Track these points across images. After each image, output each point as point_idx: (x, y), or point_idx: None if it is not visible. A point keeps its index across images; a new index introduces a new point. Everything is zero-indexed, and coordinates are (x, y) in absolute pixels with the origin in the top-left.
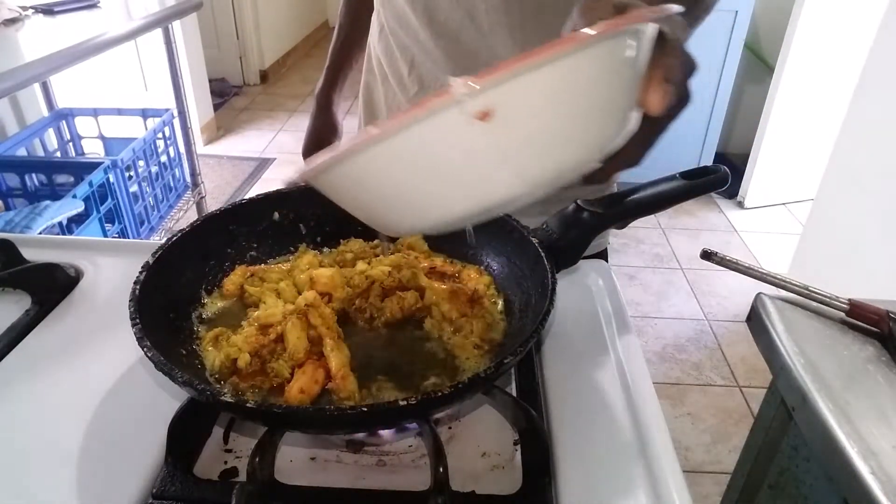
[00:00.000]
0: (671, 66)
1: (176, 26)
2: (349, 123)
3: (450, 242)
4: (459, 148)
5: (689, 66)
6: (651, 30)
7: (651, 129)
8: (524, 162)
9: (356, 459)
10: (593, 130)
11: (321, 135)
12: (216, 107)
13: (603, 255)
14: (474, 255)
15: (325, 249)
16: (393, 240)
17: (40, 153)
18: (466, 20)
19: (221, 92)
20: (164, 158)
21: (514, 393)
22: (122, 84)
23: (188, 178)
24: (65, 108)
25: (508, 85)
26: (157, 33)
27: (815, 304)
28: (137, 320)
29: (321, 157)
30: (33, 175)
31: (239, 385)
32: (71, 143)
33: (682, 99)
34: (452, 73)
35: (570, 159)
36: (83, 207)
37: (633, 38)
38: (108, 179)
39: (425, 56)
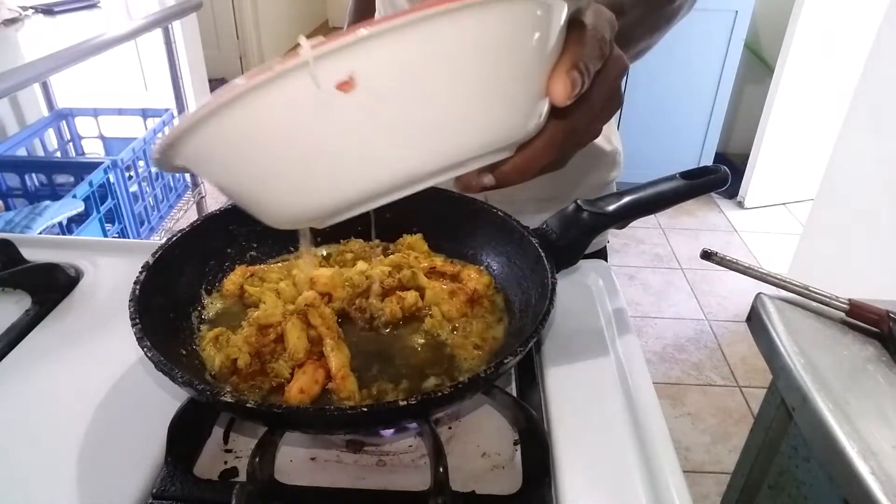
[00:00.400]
0: (581, 55)
1: (176, 26)
2: None
3: (450, 242)
4: (321, 120)
5: (617, 65)
6: (557, 8)
7: (567, 130)
8: (399, 142)
9: (356, 459)
10: (479, 117)
11: None
12: None
13: (602, 253)
14: (474, 255)
15: (324, 251)
16: (317, 233)
17: (40, 153)
18: None
19: None
20: None
21: (514, 393)
22: (122, 84)
23: (188, 178)
24: (65, 108)
25: (369, 49)
26: (157, 33)
27: (815, 304)
28: (137, 320)
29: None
30: (33, 175)
31: (239, 385)
32: (71, 143)
33: (612, 99)
34: None
35: (451, 148)
36: (83, 207)
37: (533, 9)
38: (108, 179)
39: None
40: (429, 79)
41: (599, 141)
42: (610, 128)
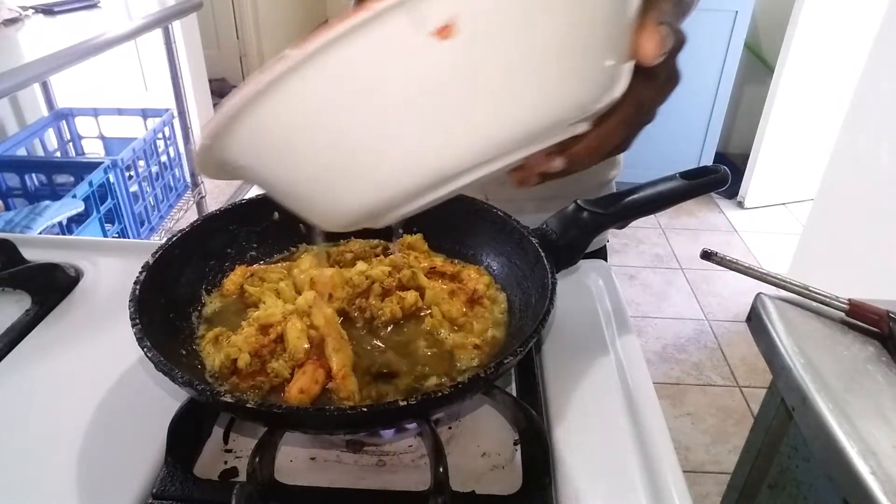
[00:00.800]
0: (666, 11)
1: (176, 26)
2: None
3: (450, 242)
4: (410, 75)
5: (679, 39)
6: None
7: (638, 104)
8: (491, 104)
9: (356, 459)
10: (575, 75)
11: None
12: (216, 107)
13: (602, 252)
14: (474, 256)
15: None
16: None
17: (40, 153)
18: None
19: (221, 92)
20: (164, 158)
21: (514, 393)
22: (122, 84)
23: (188, 178)
24: (65, 108)
25: None
26: (157, 33)
27: (815, 304)
28: (137, 320)
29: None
30: (33, 175)
31: (239, 385)
32: (71, 143)
33: (672, 77)
34: None
35: (548, 110)
36: (83, 207)
37: None
38: (108, 179)
39: None
40: (529, 26)
41: None
42: None
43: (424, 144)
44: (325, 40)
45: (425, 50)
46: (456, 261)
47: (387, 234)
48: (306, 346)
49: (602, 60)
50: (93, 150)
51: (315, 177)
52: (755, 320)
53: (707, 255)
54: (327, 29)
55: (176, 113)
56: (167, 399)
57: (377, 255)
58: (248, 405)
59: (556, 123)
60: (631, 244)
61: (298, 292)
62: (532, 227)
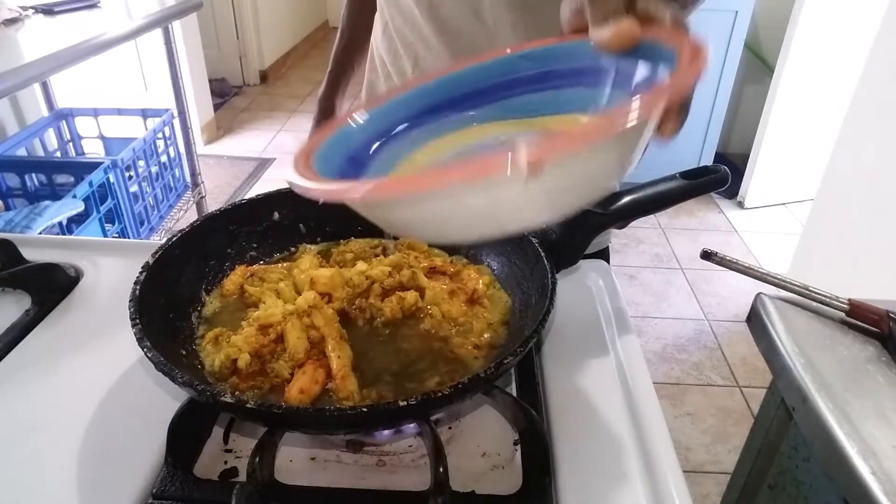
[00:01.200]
0: (684, 89)
1: (176, 26)
2: None
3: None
4: (504, 196)
5: (687, 106)
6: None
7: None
8: (561, 201)
9: (356, 459)
10: (625, 167)
11: None
12: (216, 107)
13: (604, 253)
14: (474, 255)
15: (321, 240)
16: (396, 238)
17: (40, 153)
18: (471, 16)
19: (221, 92)
20: (164, 158)
21: (514, 393)
22: (122, 84)
23: (188, 178)
24: (65, 108)
25: (565, 154)
26: (157, 33)
27: (815, 304)
28: (137, 320)
29: (365, 187)
30: (33, 175)
31: (239, 385)
32: (71, 143)
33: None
34: None
35: (602, 192)
36: (83, 207)
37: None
38: (108, 179)
39: (428, 52)
40: (600, 162)
41: None
42: None
43: (517, 221)
44: (458, 178)
45: (521, 181)
46: (454, 258)
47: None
48: (306, 346)
49: (632, 165)
50: (93, 150)
51: (437, 236)
52: (755, 320)
53: (707, 255)
54: (460, 170)
55: (176, 113)
56: (167, 399)
57: (377, 255)
58: (248, 405)
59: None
60: (631, 244)
61: (298, 292)
62: None
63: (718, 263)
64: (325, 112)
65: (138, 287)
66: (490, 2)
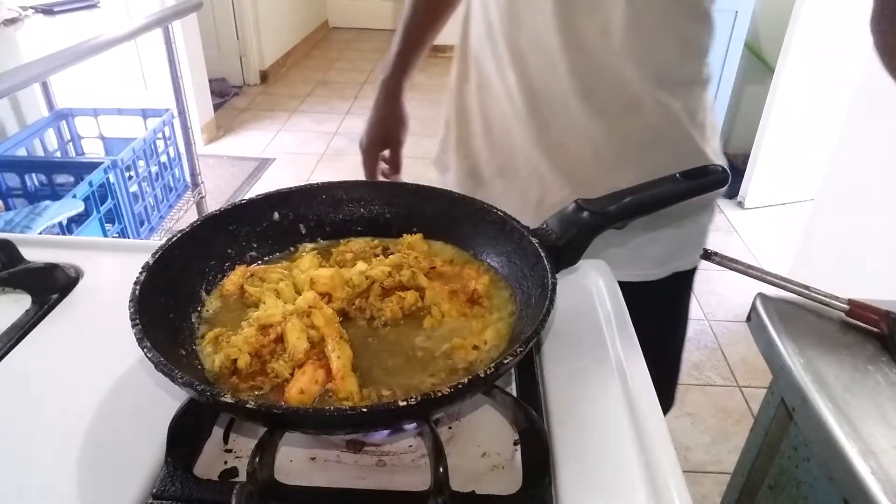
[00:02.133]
0: None
1: (176, 26)
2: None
3: (451, 242)
4: None
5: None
6: None
7: None
8: None
9: (356, 459)
10: None
11: (388, 126)
12: (216, 107)
13: (689, 276)
14: (474, 255)
15: (321, 240)
16: (318, 233)
17: (40, 153)
18: (598, 33)
19: (221, 92)
20: (164, 158)
21: (514, 393)
22: (122, 84)
23: (188, 178)
24: (65, 108)
25: None
26: (157, 33)
27: (815, 304)
28: (137, 321)
29: None
30: (33, 175)
31: (239, 385)
32: (71, 143)
33: None
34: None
35: None
36: (83, 207)
37: None
38: (108, 179)
39: (545, 65)
40: None
41: (708, 153)
42: (716, 139)
43: None
44: None
45: None
46: (455, 255)
47: (387, 232)
48: (306, 346)
49: None
50: (93, 150)
51: None
52: (755, 320)
53: (707, 255)
54: None
55: (176, 113)
56: (167, 399)
57: (377, 255)
58: (248, 405)
59: None
60: None
61: (298, 292)
62: (532, 228)
63: (718, 263)
64: (392, 94)
65: (138, 287)
66: (623, 24)
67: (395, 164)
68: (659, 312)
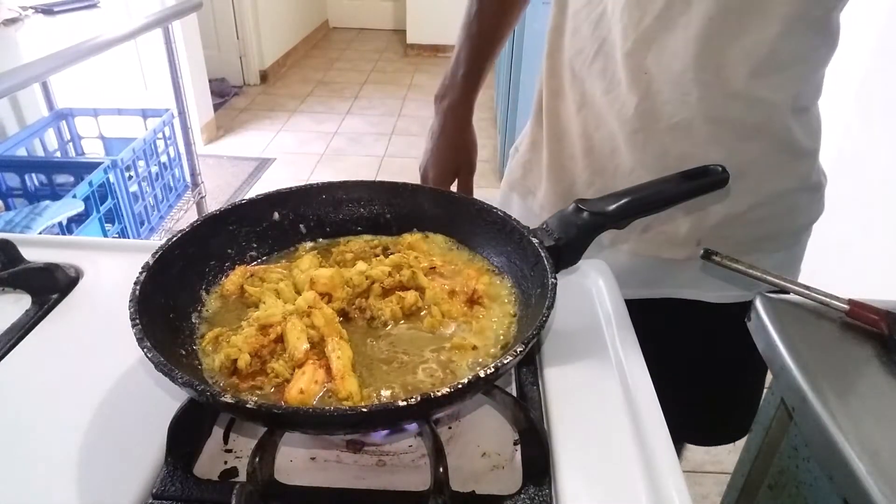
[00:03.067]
0: None
1: (176, 26)
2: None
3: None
4: None
5: None
6: None
7: None
8: None
9: (356, 459)
10: None
11: (462, 154)
12: (216, 107)
13: (745, 307)
14: (475, 254)
15: (322, 240)
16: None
17: (40, 153)
18: (741, 59)
19: (221, 92)
20: (164, 158)
21: (514, 393)
22: (122, 84)
23: (188, 178)
24: (65, 108)
25: None
26: (157, 33)
27: (815, 304)
28: (137, 320)
29: None
30: (33, 175)
31: (239, 385)
32: (71, 143)
33: None
34: (704, 116)
35: None
36: (83, 207)
37: None
38: (108, 179)
39: (675, 87)
40: None
41: (813, 176)
42: (817, 158)
43: None
44: None
45: None
46: (455, 252)
47: (387, 232)
48: (306, 346)
49: None
50: (93, 150)
51: None
52: (755, 320)
53: (707, 255)
54: None
55: (176, 113)
56: (167, 399)
57: (377, 255)
58: (248, 405)
59: None
60: None
61: (298, 292)
62: (532, 228)
63: (718, 264)
64: (462, 120)
65: (138, 287)
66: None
67: (467, 189)
68: (741, 337)
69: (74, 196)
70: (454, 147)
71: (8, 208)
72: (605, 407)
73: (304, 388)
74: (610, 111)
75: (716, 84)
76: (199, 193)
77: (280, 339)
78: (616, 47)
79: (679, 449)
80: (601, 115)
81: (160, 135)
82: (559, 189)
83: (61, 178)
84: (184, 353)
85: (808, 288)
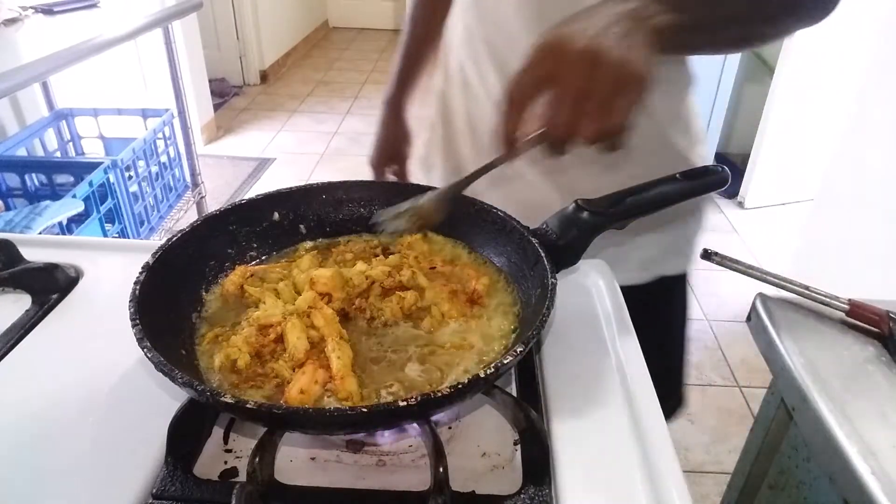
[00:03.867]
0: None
1: (176, 26)
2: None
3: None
4: None
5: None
6: None
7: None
8: None
9: (356, 459)
10: None
11: (394, 144)
12: (216, 107)
13: (677, 282)
14: (475, 254)
15: (321, 240)
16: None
17: (40, 153)
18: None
19: (221, 92)
20: (164, 158)
21: (514, 393)
22: (122, 84)
23: (188, 178)
24: (65, 108)
25: None
26: (157, 33)
27: (815, 304)
28: (137, 320)
29: None
30: (33, 175)
31: (239, 385)
32: (71, 143)
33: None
34: None
35: None
36: (83, 207)
37: None
38: (108, 179)
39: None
40: None
41: (695, 160)
42: (704, 145)
43: None
44: None
45: None
46: (454, 247)
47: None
48: (306, 346)
49: None
50: (93, 150)
51: None
52: (755, 320)
53: (707, 255)
54: None
55: (176, 113)
56: (167, 399)
57: (377, 255)
58: (248, 405)
59: None
60: None
61: (298, 292)
62: (532, 228)
63: (718, 263)
64: (395, 114)
65: (138, 287)
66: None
67: (402, 178)
68: (648, 318)
69: (74, 196)
70: (387, 138)
71: (8, 208)
72: (605, 407)
73: (305, 387)
74: (483, 92)
75: None
76: (199, 193)
77: (280, 339)
78: (475, 33)
79: None
80: (478, 96)
81: (160, 135)
82: (450, 166)
83: (61, 178)
84: (184, 352)
85: (808, 288)
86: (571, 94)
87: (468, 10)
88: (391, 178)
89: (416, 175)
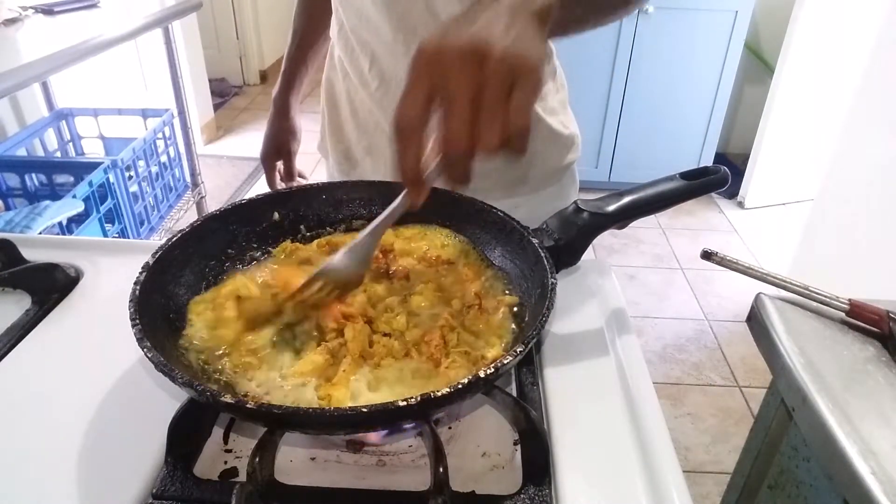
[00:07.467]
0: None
1: (176, 26)
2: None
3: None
4: None
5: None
6: None
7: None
8: None
9: (356, 459)
10: None
11: (280, 139)
12: (216, 107)
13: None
14: (475, 254)
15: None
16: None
17: (40, 153)
18: (426, 13)
19: (221, 92)
20: (164, 158)
21: (514, 393)
22: (122, 84)
23: (188, 178)
24: (65, 108)
25: None
26: (157, 33)
27: (815, 304)
28: (137, 320)
29: None
30: (33, 175)
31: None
32: (71, 143)
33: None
34: None
35: None
36: (83, 207)
37: None
38: (108, 179)
39: (386, 50)
40: None
41: (555, 125)
42: (566, 114)
43: None
44: None
45: None
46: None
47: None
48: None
49: None
50: (93, 150)
51: None
52: (755, 320)
53: (707, 255)
54: None
55: (176, 113)
56: (167, 399)
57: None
58: (248, 405)
59: None
60: (631, 244)
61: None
62: (532, 228)
63: (718, 263)
64: (282, 110)
65: (138, 287)
66: None
67: (288, 172)
68: None
69: (74, 196)
70: (275, 134)
71: (8, 208)
72: (605, 407)
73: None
74: (357, 77)
75: (414, 42)
76: (199, 193)
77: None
78: (346, 25)
79: None
80: (355, 83)
81: (160, 135)
82: (340, 149)
83: (61, 178)
84: (184, 352)
85: (808, 288)
86: (461, 103)
87: (340, 4)
88: (280, 171)
89: (320, 163)
